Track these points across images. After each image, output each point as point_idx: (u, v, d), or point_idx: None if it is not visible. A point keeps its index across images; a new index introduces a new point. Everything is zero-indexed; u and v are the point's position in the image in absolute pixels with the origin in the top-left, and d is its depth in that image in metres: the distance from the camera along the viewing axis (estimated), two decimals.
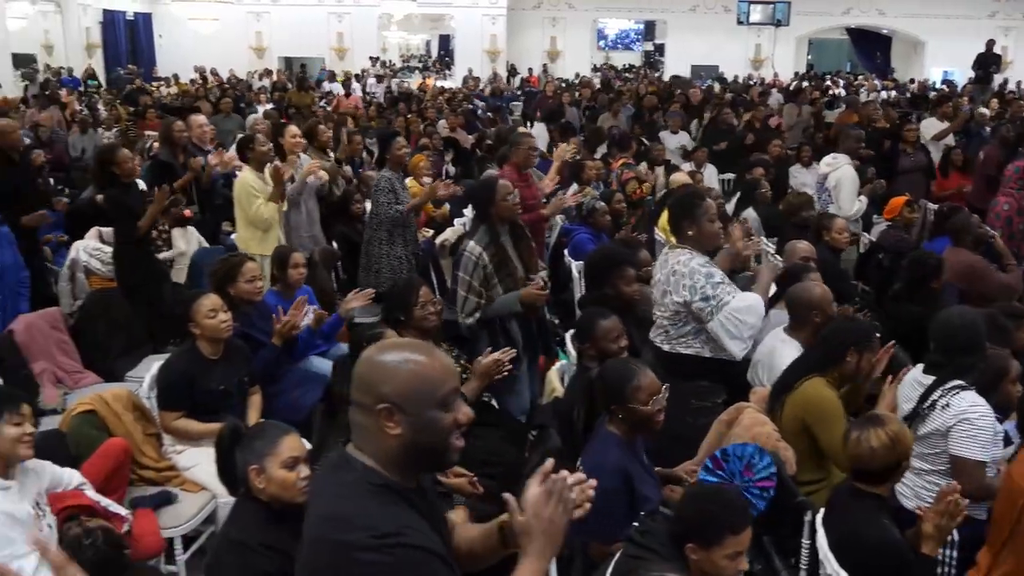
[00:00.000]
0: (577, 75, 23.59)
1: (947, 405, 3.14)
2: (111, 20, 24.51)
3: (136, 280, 5.59)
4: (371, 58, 25.64)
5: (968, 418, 3.09)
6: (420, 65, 31.94)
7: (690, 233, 3.67)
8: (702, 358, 3.73)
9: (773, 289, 4.65)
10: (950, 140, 9.73)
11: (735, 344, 3.61)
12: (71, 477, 3.05)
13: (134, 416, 3.65)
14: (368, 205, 6.48)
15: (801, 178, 9.02)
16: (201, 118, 7.43)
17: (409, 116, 12.82)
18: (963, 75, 20.49)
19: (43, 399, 4.33)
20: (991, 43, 16.56)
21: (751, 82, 21.36)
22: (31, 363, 4.46)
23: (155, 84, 21.04)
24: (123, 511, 3.11)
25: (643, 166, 8.35)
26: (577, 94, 15.25)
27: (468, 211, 7.60)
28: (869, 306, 5.36)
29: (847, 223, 6.07)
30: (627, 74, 26.40)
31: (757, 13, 24.27)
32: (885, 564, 2.62)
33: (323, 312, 4.53)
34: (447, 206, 7.83)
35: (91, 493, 3.05)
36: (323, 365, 4.52)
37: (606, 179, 8.22)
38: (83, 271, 5.99)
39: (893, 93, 20.26)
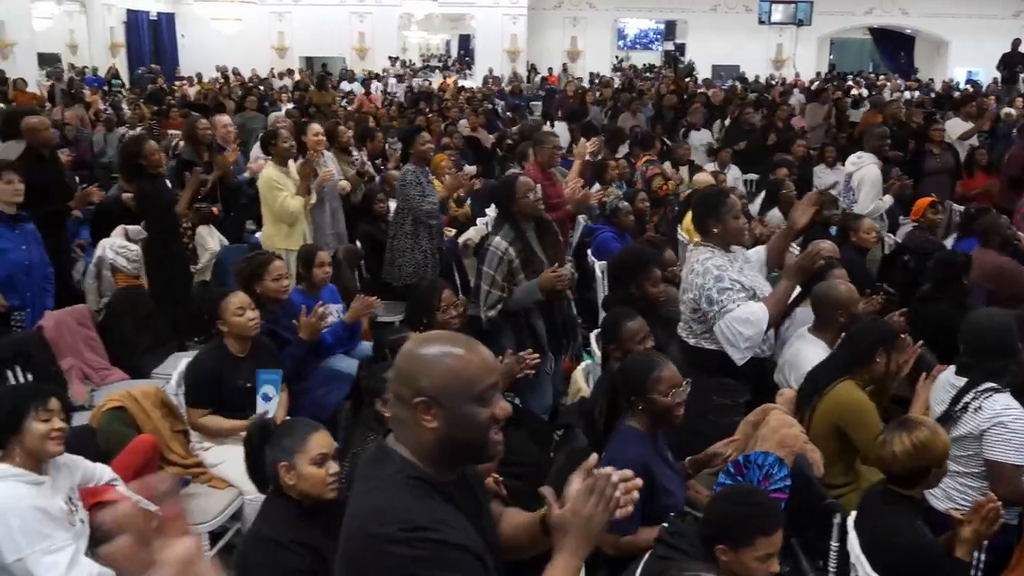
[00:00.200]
0: (598, 75, 23.56)
1: (980, 408, 3.11)
2: (135, 20, 24.73)
3: (164, 276, 5.65)
4: (390, 58, 25.71)
5: (1002, 421, 3.06)
6: (440, 65, 31.98)
7: (715, 231, 3.66)
8: (725, 354, 3.72)
9: (797, 289, 4.65)
10: (974, 140, 9.65)
11: (733, 352, 3.58)
12: (102, 472, 3.08)
13: (162, 413, 3.68)
14: (392, 204, 6.49)
15: (825, 178, 8.97)
16: (225, 118, 7.49)
17: (430, 116, 12.83)
18: (987, 75, 20.28)
19: (71, 395, 4.36)
20: (1016, 42, 16.37)
21: (772, 82, 21.25)
22: (59, 359, 4.50)
23: (178, 83, 21.19)
24: (153, 507, 3.12)
25: (667, 165, 8.34)
26: (598, 94, 15.22)
27: (490, 210, 7.62)
28: (894, 307, 5.31)
29: (874, 223, 6.02)
30: (647, 74, 26.32)
31: (779, 13, 24.15)
32: (917, 566, 2.60)
33: (364, 302, 4.51)
34: (469, 205, 7.84)
35: (122, 488, 3.07)
36: (347, 364, 4.54)
37: (629, 178, 8.21)
38: (109, 269, 6.02)
39: (916, 93, 20.09)
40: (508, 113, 15.13)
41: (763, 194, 7.54)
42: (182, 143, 6.98)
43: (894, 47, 27.37)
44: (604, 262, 5.75)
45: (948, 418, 3.20)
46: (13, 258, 4.71)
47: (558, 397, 4.47)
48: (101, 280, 5.99)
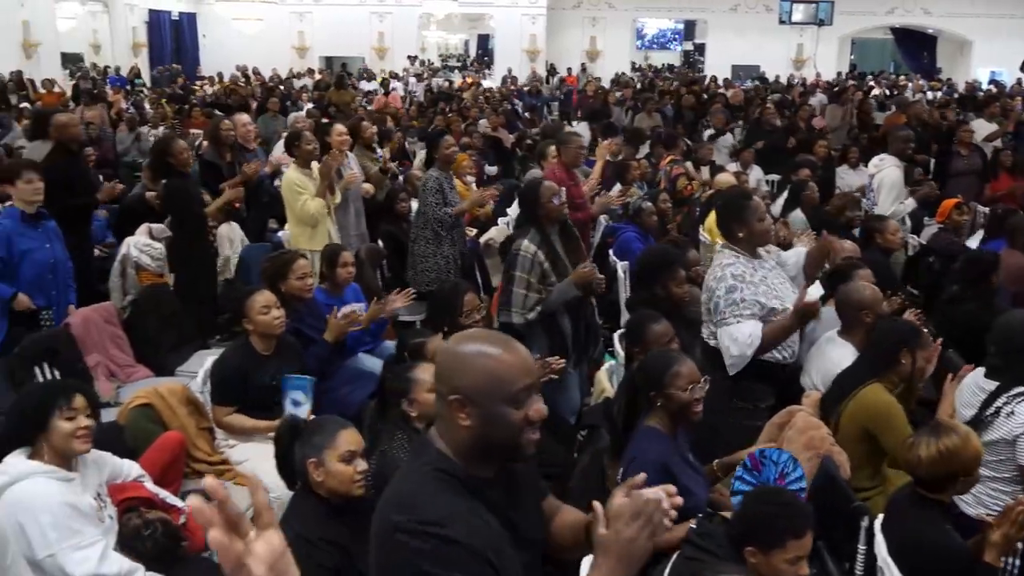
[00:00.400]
0: (618, 74, 23.52)
1: (1012, 413, 3.08)
2: (156, 20, 24.95)
3: (189, 275, 5.69)
4: (409, 57, 25.78)
5: None
6: (459, 65, 32.04)
7: (740, 235, 3.61)
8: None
9: (818, 290, 4.62)
10: (998, 142, 9.57)
11: (725, 359, 3.56)
12: (130, 469, 3.09)
13: (188, 410, 3.69)
14: (414, 204, 6.51)
15: (848, 179, 8.90)
16: (245, 117, 7.52)
17: (450, 116, 12.85)
18: (1011, 75, 20.11)
19: (98, 392, 4.39)
20: None
21: (793, 82, 21.14)
22: (86, 356, 4.53)
23: (198, 83, 21.33)
24: (180, 503, 3.15)
25: (688, 165, 8.31)
26: (619, 94, 15.20)
27: (511, 210, 7.62)
28: (919, 309, 5.28)
29: (898, 224, 5.99)
30: (667, 74, 26.26)
31: (799, 12, 24.06)
32: (945, 570, 2.59)
33: (380, 305, 4.53)
34: (491, 205, 7.84)
35: (149, 485, 3.10)
36: (371, 363, 4.56)
37: (650, 179, 8.19)
38: (133, 267, 6.07)
39: (939, 94, 19.93)
40: (526, 113, 15.14)
41: (785, 195, 7.50)
42: (205, 143, 7.01)
43: (916, 47, 27.18)
44: (626, 263, 5.74)
45: (979, 422, 3.17)
46: (39, 258, 4.73)
47: (582, 399, 4.47)
48: (125, 278, 6.04)
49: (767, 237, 3.74)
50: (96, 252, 6.52)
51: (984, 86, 21.12)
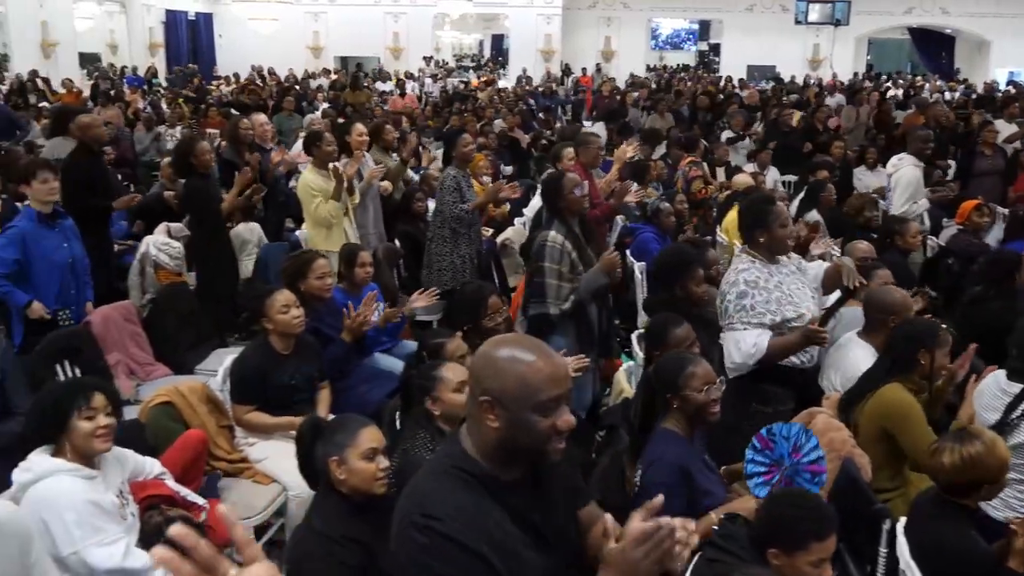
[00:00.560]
0: (633, 75, 23.48)
1: None
2: (173, 20, 25.10)
3: (207, 274, 5.74)
4: (425, 58, 25.81)
5: None
6: (473, 65, 32.07)
7: (762, 240, 3.58)
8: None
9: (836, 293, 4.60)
10: (1018, 143, 9.50)
11: (727, 364, 3.55)
12: (152, 466, 3.11)
13: (208, 408, 3.71)
14: (431, 204, 6.51)
15: (866, 180, 8.88)
16: (263, 117, 7.58)
17: (466, 116, 12.87)
18: None
19: (118, 390, 4.42)
20: None
21: (809, 83, 21.05)
22: (106, 354, 4.56)
23: (214, 83, 21.43)
24: (200, 501, 3.17)
25: (705, 167, 8.29)
26: (636, 95, 15.18)
27: (527, 210, 7.62)
28: (938, 311, 5.25)
29: (919, 226, 5.96)
30: (682, 74, 26.20)
31: (816, 12, 23.96)
32: (969, 575, 2.56)
33: (394, 310, 4.56)
34: (507, 205, 7.84)
35: (171, 483, 3.12)
36: (389, 362, 4.58)
37: (667, 180, 8.18)
38: (152, 265, 6.11)
39: (957, 94, 19.80)
40: (540, 114, 15.14)
41: (801, 195, 7.46)
42: (223, 143, 7.05)
43: (934, 47, 26.99)
44: (643, 263, 5.73)
45: (1004, 426, 3.15)
46: (56, 259, 4.73)
47: (596, 398, 4.47)
48: (144, 277, 6.09)
49: (786, 247, 3.69)
50: (115, 247, 6.57)
51: (1002, 87, 20.95)
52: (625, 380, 4.07)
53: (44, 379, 3.87)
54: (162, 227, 6.54)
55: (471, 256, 5.70)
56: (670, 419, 2.90)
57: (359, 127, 6.17)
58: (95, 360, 4.39)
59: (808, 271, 3.94)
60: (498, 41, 33.08)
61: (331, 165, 5.67)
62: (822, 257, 4.93)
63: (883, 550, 2.91)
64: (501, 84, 23.24)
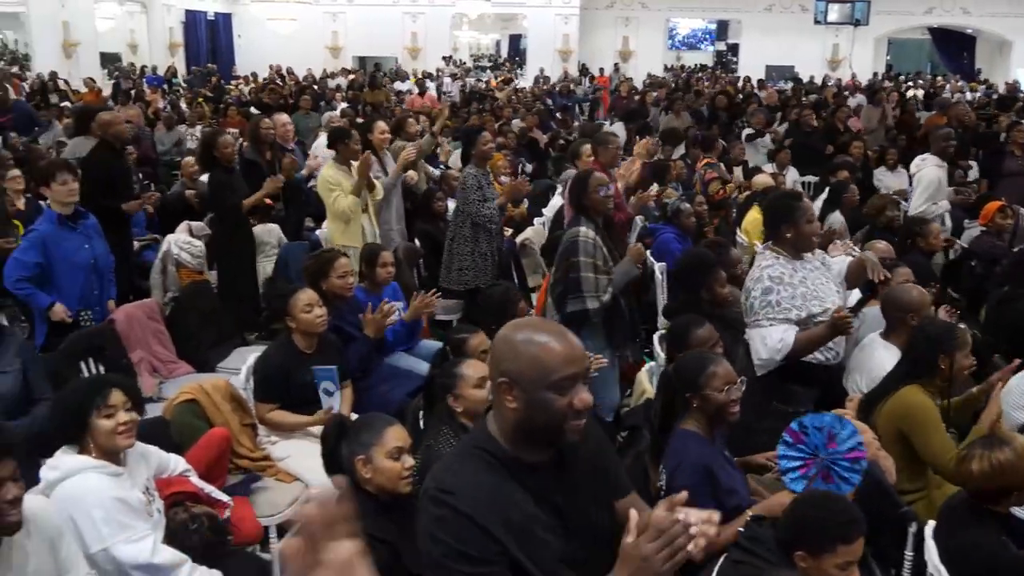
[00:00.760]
0: (651, 75, 23.42)
1: None
2: (193, 20, 25.25)
3: (228, 272, 5.78)
4: (444, 57, 25.85)
5: None
6: (490, 64, 32.10)
7: (788, 235, 3.56)
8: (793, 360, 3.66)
9: (857, 295, 4.58)
10: None
11: (754, 361, 3.54)
12: (176, 463, 3.13)
13: (231, 406, 3.72)
14: (450, 204, 6.52)
15: (887, 181, 8.82)
16: (285, 117, 7.62)
17: (484, 115, 12.87)
18: None
19: (141, 387, 4.45)
20: None
21: (828, 83, 20.92)
22: (129, 352, 4.60)
23: (233, 83, 21.54)
24: (225, 498, 3.18)
25: (722, 167, 8.25)
26: (655, 94, 15.15)
27: (547, 210, 7.62)
28: (962, 314, 5.21)
29: (940, 227, 5.92)
30: (699, 74, 26.12)
31: (835, 12, 23.75)
32: None
33: (419, 305, 4.54)
34: (525, 205, 7.85)
35: (195, 480, 3.13)
36: (409, 361, 4.59)
37: (686, 180, 8.16)
38: (174, 264, 6.16)
39: (978, 95, 19.63)
40: (558, 114, 15.13)
41: (823, 196, 7.42)
42: (244, 143, 7.09)
43: (955, 47, 26.76)
44: (663, 263, 5.71)
45: None
46: (78, 260, 4.73)
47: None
48: (166, 275, 6.14)
49: (812, 243, 3.68)
50: (136, 244, 6.62)
51: None
52: (647, 381, 4.06)
53: (68, 377, 3.90)
54: (183, 226, 6.60)
55: (492, 254, 5.70)
56: (690, 419, 2.89)
57: (381, 125, 6.19)
58: (118, 358, 4.43)
59: (832, 266, 3.92)
60: (515, 41, 33.11)
61: (362, 156, 5.68)
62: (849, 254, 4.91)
63: (909, 554, 2.89)
64: (518, 84, 23.25)
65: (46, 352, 4.54)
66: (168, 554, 2.69)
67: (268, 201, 6.48)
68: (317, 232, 6.60)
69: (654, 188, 7.09)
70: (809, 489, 2.59)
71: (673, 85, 18.73)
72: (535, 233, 7.12)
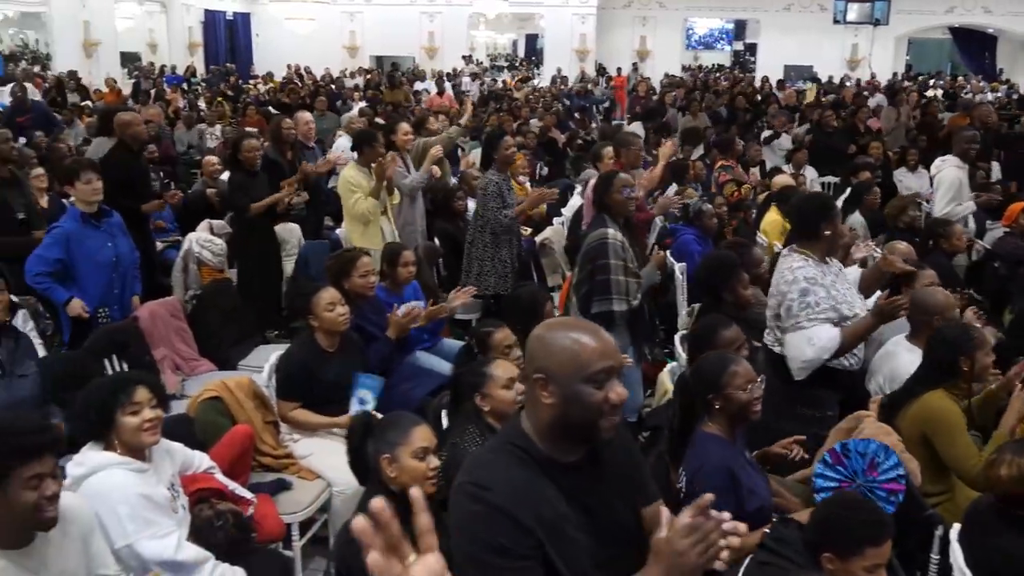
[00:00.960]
0: (668, 74, 23.36)
1: None
2: (212, 20, 25.38)
3: (248, 271, 5.80)
4: (464, 57, 25.88)
5: None
6: (506, 64, 32.09)
7: (827, 233, 3.52)
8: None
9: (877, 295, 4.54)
10: None
11: (792, 366, 3.51)
12: (201, 460, 3.15)
13: (254, 404, 3.74)
14: (470, 203, 6.52)
15: (907, 182, 8.77)
16: (307, 116, 7.65)
17: (502, 115, 12.88)
18: None
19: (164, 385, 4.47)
20: None
21: (847, 83, 20.80)
22: (152, 349, 4.62)
23: (252, 82, 21.64)
24: (249, 495, 3.20)
25: (739, 168, 8.23)
26: (673, 94, 15.12)
27: (566, 210, 7.61)
28: (987, 315, 5.17)
29: (963, 228, 5.87)
30: (717, 74, 26.02)
31: (854, 12, 23.65)
32: None
33: (439, 307, 4.56)
34: (544, 205, 7.84)
35: (220, 476, 3.15)
36: (430, 360, 4.60)
37: (705, 180, 8.13)
38: (195, 262, 6.19)
39: (999, 95, 19.46)
40: (576, 114, 15.11)
41: (844, 196, 7.38)
42: (265, 142, 7.12)
43: (976, 47, 26.52)
44: (683, 264, 5.70)
45: None
46: (101, 258, 4.76)
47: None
48: (187, 273, 6.16)
49: (839, 245, 3.68)
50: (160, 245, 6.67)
51: None
52: (669, 381, 4.04)
53: (93, 374, 3.93)
54: (204, 224, 6.63)
55: (511, 258, 5.68)
56: (711, 422, 2.87)
57: (404, 126, 6.21)
58: (142, 355, 4.45)
59: (848, 275, 3.90)
60: (531, 41, 33.08)
61: (385, 159, 5.70)
62: (863, 264, 4.89)
63: (935, 557, 2.88)
64: (535, 83, 23.24)
65: (72, 347, 4.60)
66: (192, 551, 2.71)
67: (291, 202, 6.51)
68: (337, 231, 6.61)
69: (674, 188, 7.08)
70: (837, 492, 2.58)
71: (692, 85, 18.67)
72: (554, 233, 7.11)
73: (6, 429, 2.20)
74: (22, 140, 9.38)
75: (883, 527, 2.25)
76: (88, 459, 2.72)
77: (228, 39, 26.23)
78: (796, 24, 25.45)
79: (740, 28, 30.96)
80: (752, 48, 29.85)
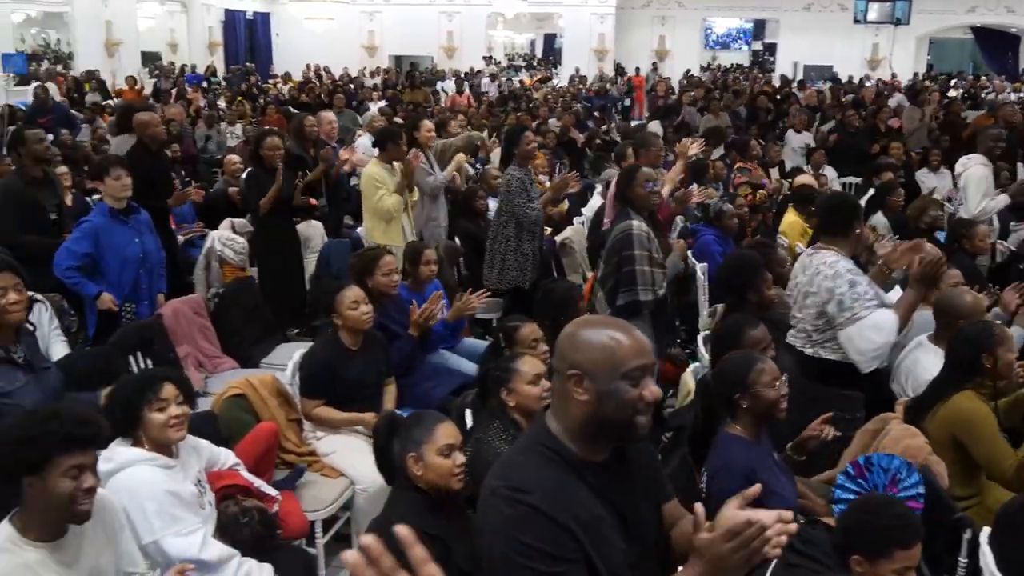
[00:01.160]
0: (687, 73, 23.28)
1: None
2: (232, 19, 25.53)
3: (269, 268, 5.83)
4: (485, 57, 25.91)
5: None
6: (524, 64, 32.08)
7: (858, 231, 3.59)
8: (846, 363, 3.62)
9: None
10: None
11: (859, 359, 3.52)
12: (227, 457, 3.16)
13: (278, 402, 3.76)
14: (491, 202, 6.53)
15: (929, 183, 8.70)
16: (330, 115, 7.70)
17: (520, 115, 12.87)
18: None
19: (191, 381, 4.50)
20: None
21: (866, 83, 20.66)
22: (176, 347, 4.65)
23: (271, 82, 21.74)
24: (274, 492, 3.21)
25: (753, 170, 8.20)
26: (692, 94, 15.06)
27: (587, 210, 7.60)
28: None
29: (988, 228, 5.82)
30: (736, 74, 25.90)
31: (875, 11, 23.43)
32: None
33: (463, 304, 4.55)
34: (565, 204, 7.83)
35: (245, 473, 3.16)
36: (452, 359, 4.60)
37: (725, 180, 8.10)
38: (218, 260, 6.22)
39: (1022, 95, 19.27)
40: (596, 113, 15.09)
41: (867, 197, 7.33)
42: (288, 140, 7.17)
43: (998, 47, 26.26)
44: (704, 264, 5.67)
45: None
46: (128, 253, 4.80)
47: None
48: (210, 271, 6.20)
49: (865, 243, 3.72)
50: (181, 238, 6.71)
51: None
52: (692, 381, 4.03)
53: (119, 371, 3.96)
54: (227, 222, 6.67)
55: (534, 253, 5.67)
56: (735, 423, 2.85)
57: (427, 124, 6.23)
58: (166, 352, 4.48)
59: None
60: (550, 40, 33.05)
61: (410, 156, 5.72)
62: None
63: (963, 560, 2.85)
64: (554, 83, 23.22)
65: (96, 343, 4.64)
66: (216, 550, 2.72)
67: (312, 201, 6.55)
68: (358, 230, 6.64)
69: (694, 187, 7.05)
70: (867, 494, 2.56)
71: (712, 85, 18.60)
72: (575, 232, 7.11)
73: (53, 416, 2.22)
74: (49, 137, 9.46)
75: (913, 530, 2.24)
76: (116, 455, 2.74)
77: (248, 39, 26.38)
78: (816, 24, 25.30)
79: (759, 28, 30.82)
80: (771, 48, 29.70)
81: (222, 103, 15.69)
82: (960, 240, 5.50)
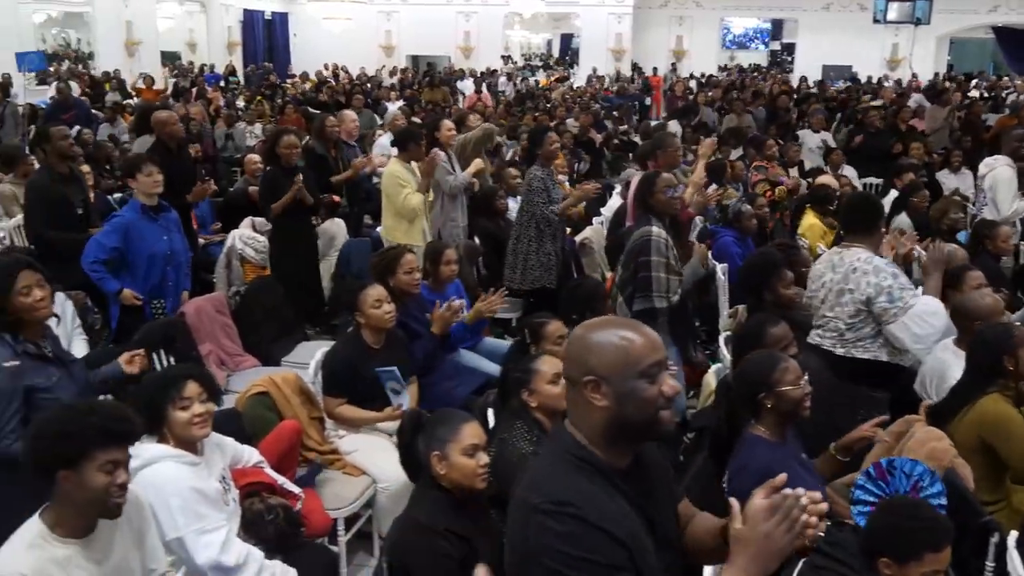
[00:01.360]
0: (704, 74, 23.20)
1: None
2: (250, 19, 25.65)
3: (287, 267, 5.85)
4: (503, 57, 25.92)
5: None
6: (540, 64, 32.06)
7: (882, 230, 3.66)
8: (878, 362, 3.62)
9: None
10: None
11: (918, 347, 3.55)
12: (251, 454, 3.18)
13: (301, 400, 3.78)
14: (511, 202, 6.53)
15: (950, 184, 8.63)
16: (352, 114, 7.73)
17: (537, 115, 12.86)
18: None
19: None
20: None
21: (886, 83, 20.52)
22: (199, 345, 4.68)
23: (289, 81, 21.83)
24: (297, 490, 3.23)
25: (772, 168, 8.16)
26: (710, 94, 15.01)
27: (605, 210, 7.59)
28: None
29: (1011, 230, 5.76)
30: (754, 74, 25.80)
31: (895, 11, 23.19)
32: None
33: (486, 304, 4.55)
34: (583, 204, 7.81)
35: (269, 471, 3.17)
36: (473, 359, 4.61)
37: (744, 180, 8.07)
38: (238, 259, 6.25)
39: None
40: (615, 113, 15.03)
41: (889, 197, 7.28)
42: (310, 139, 7.20)
43: (1020, 47, 25.99)
44: (724, 265, 5.65)
45: None
46: (156, 250, 4.88)
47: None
48: (230, 270, 6.23)
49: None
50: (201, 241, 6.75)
51: None
52: (715, 382, 4.02)
53: (144, 370, 3.97)
54: (247, 221, 6.70)
55: (556, 253, 5.66)
56: (758, 424, 2.84)
57: (448, 123, 6.23)
58: (188, 350, 4.50)
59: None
60: (567, 40, 33.04)
61: (430, 155, 5.73)
62: (907, 257, 4.82)
63: (990, 564, 2.83)
64: (571, 83, 23.19)
65: (119, 340, 4.68)
66: (236, 552, 2.71)
67: (335, 198, 6.57)
68: (378, 229, 6.66)
69: (713, 188, 7.02)
70: (893, 497, 2.54)
71: (728, 85, 18.53)
72: (594, 233, 7.09)
73: (90, 411, 2.23)
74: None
75: (944, 532, 2.22)
76: (142, 451, 2.74)
77: (266, 38, 26.50)
78: (835, 23, 25.14)
79: (777, 27, 30.67)
80: (790, 48, 29.56)
81: (241, 102, 15.77)
82: (983, 241, 5.45)
